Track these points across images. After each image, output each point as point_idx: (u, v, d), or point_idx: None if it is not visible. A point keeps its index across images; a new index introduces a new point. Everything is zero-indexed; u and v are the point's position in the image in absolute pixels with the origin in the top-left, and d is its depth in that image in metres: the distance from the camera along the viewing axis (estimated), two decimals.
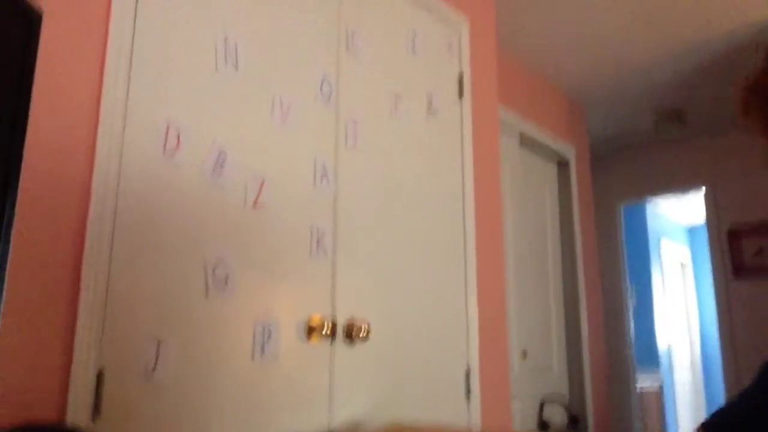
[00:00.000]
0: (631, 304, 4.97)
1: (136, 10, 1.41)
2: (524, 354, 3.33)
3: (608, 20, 3.25)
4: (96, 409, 1.21)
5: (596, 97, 4.23)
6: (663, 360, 5.93)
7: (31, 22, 0.83)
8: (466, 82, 2.41)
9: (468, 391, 2.13)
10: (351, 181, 1.85)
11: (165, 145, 1.41)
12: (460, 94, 2.38)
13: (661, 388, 5.60)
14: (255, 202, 1.58)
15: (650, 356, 5.79)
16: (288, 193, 1.67)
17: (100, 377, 1.23)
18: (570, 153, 4.07)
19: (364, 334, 1.74)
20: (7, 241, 0.81)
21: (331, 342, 1.70)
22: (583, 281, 3.93)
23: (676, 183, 4.89)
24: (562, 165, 4.07)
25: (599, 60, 3.70)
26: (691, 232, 7.26)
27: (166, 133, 1.42)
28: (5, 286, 1.02)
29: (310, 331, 1.65)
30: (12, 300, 1.15)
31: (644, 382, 5.21)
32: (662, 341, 5.98)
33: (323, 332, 1.66)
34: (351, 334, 1.74)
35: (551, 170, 4.03)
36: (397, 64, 2.12)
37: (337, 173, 1.81)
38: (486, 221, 2.42)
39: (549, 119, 3.93)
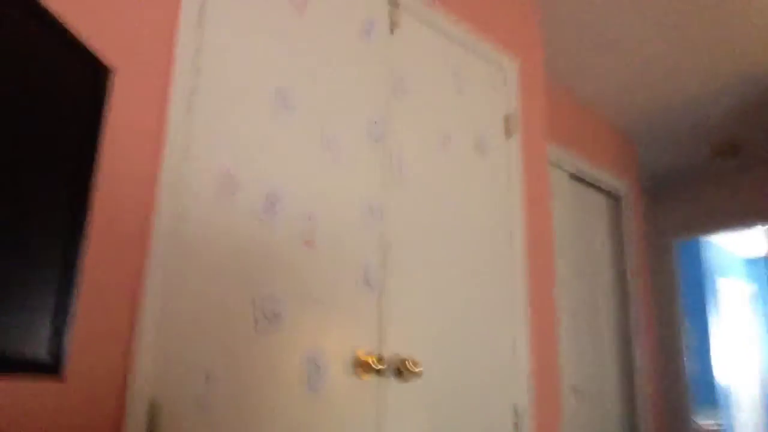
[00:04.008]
0: (687, 341, 4.80)
1: (196, 64, 1.49)
2: (577, 392, 3.25)
3: (660, 54, 3.21)
4: None
5: (649, 131, 4.16)
6: (723, 399, 5.68)
7: (102, 76, 0.88)
8: (514, 121, 2.42)
9: (519, 430, 2.09)
10: (400, 219, 1.87)
11: (221, 188, 1.47)
12: (508, 133, 2.39)
13: (720, 428, 5.36)
14: (305, 240, 1.61)
15: (708, 395, 5.56)
16: (338, 230, 1.70)
17: (154, 409, 1.26)
18: (622, 188, 4.01)
19: (413, 370, 1.73)
20: (73, 282, 0.86)
21: (380, 378, 1.70)
22: (637, 318, 3.82)
23: (734, 218, 4.73)
24: (615, 200, 4.00)
25: (651, 94, 3.65)
26: (751, 264, 6.98)
27: (223, 176, 1.48)
28: (74, 322, 1.07)
29: (359, 366, 1.66)
30: (75, 333, 1.20)
31: (703, 421, 5.00)
32: (722, 380, 5.74)
33: (371, 368, 1.66)
34: (399, 369, 1.74)
35: (603, 205, 3.97)
36: (444, 105, 2.14)
37: (386, 211, 1.84)
38: (537, 258, 2.39)
39: (600, 155, 3.88)
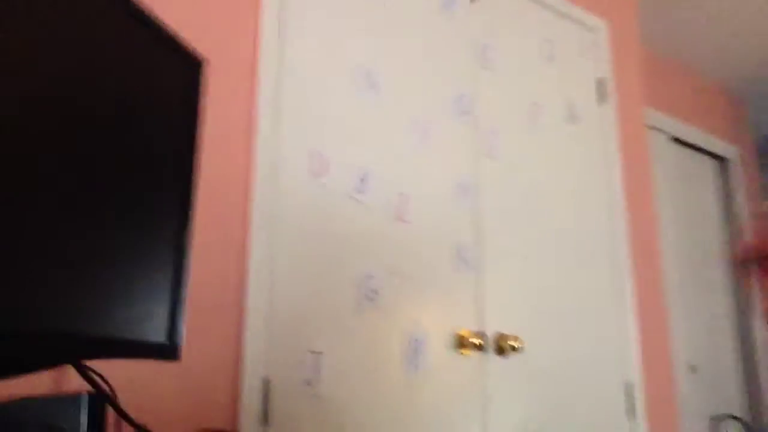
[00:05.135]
0: None
1: (281, 51, 1.52)
2: (692, 368, 3.08)
3: (764, 8, 2.96)
4: (265, 418, 1.30)
5: (758, 89, 3.86)
6: None
7: (195, 68, 0.92)
8: (608, 85, 2.31)
9: (631, 408, 2.01)
10: (492, 193, 1.84)
11: (313, 170, 1.50)
12: (602, 98, 2.28)
13: None
14: (399, 218, 1.62)
15: None
16: (430, 207, 1.69)
17: (266, 388, 1.31)
18: (731, 151, 3.75)
19: (515, 347, 1.70)
20: (185, 270, 0.90)
21: (481, 355, 1.69)
22: (754, 288, 3.57)
23: None
24: (723, 163, 3.75)
25: (759, 51, 3.38)
26: None
27: (314, 157, 1.51)
28: (187, 307, 1.14)
29: (460, 343, 1.65)
30: (189, 318, 1.27)
31: None
32: None
33: (473, 345, 1.65)
34: (501, 347, 1.71)
35: (710, 169, 3.73)
36: (533, 74, 2.08)
37: (478, 186, 1.81)
38: (639, 226, 2.29)
39: (705, 117, 3.65)
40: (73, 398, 0.85)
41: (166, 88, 0.84)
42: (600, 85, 2.29)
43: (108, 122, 0.74)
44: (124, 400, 1.17)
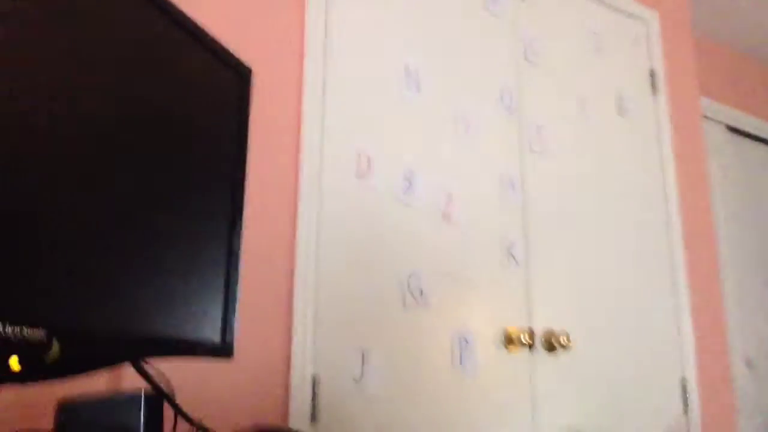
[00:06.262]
0: None
1: (326, 53, 1.54)
2: (749, 363, 2.99)
3: None
4: (313, 415, 1.32)
5: None
6: None
7: (243, 75, 0.94)
8: (660, 76, 2.24)
9: (685, 404, 1.96)
10: (539, 189, 1.82)
11: (358, 170, 1.51)
12: (654, 90, 2.22)
13: None
14: (444, 216, 1.62)
15: None
16: (476, 205, 1.68)
17: (315, 386, 1.34)
18: None
19: (565, 344, 1.69)
20: (237, 271, 0.93)
21: (530, 353, 1.68)
22: None
23: None
24: None
25: None
26: None
27: (358, 158, 1.52)
28: (239, 307, 1.17)
29: (508, 341, 1.64)
30: (241, 318, 1.30)
31: None
32: None
33: (521, 342, 1.64)
34: (550, 344, 1.70)
35: None
36: (580, 66, 2.04)
37: (525, 182, 1.79)
38: (694, 219, 2.22)
39: (762, 105, 3.51)
40: (133, 397, 0.88)
41: (215, 97, 0.87)
42: (652, 76, 2.23)
43: (162, 131, 0.77)
44: (178, 398, 1.21)
